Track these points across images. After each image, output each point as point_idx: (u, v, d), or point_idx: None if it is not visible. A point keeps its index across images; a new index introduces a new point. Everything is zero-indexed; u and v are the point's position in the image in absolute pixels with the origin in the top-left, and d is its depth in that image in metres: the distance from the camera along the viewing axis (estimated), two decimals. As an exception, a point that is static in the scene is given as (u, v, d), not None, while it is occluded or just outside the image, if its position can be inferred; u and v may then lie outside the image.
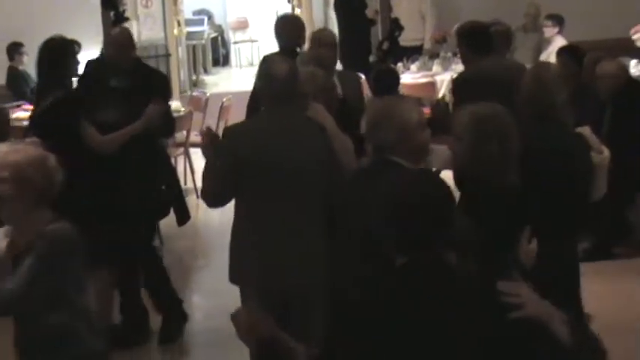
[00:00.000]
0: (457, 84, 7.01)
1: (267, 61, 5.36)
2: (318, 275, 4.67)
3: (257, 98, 5.79)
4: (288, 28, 7.66)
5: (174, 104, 11.76)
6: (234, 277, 4.97)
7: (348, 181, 4.47)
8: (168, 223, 8.68)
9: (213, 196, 4.93)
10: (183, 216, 7.50)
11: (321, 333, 3.28)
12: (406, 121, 4.17)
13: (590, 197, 4.97)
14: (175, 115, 10.57)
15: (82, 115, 6.19)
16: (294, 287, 4.77)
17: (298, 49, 7.34)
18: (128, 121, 6.33)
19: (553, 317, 2.82)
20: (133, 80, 6.54)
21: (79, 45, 6.82)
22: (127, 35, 6.97)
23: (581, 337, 2.83)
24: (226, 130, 5.31)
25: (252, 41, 19.62)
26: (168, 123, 6.93)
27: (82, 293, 3.89)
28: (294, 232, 4.77)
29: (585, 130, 5.31)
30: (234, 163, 4.75)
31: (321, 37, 6.96)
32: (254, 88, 6.02)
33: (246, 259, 4.87)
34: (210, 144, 4.85)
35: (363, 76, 11.19)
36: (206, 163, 4.89)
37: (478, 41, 6.74)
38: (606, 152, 5.38)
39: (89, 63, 7.04)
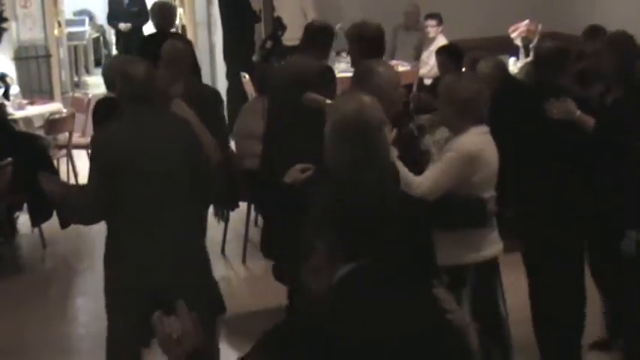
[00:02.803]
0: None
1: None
2: (193, 275, 4.78)
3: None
4: (163, 12, 9.30)
5: (56, 106, 11.60)
6: (112, 281, 4.95)
7: None
8: (51, 225, 8.58)
9: (88, 209, 4.87)
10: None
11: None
12: None
13: None
14: (57, 116, 10.46)
15: None
16: (168, 288, 4.67)
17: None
18: None
19: (469, 326, 3.00)
20: None
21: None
22: None
23: (487, 348, 2.95)
24: (95, 136, 5.32)
25: (135, 41, 19.42)
26: None
27: None
28: (168, 231, 4.80)
29: None
30: (106, 167, 4.74)
31: None
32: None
33: (119, 258, 4.87)
34: None
35: (247, 75, 11.22)
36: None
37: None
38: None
39: None
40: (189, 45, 8.06)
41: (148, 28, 13.00)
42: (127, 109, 4.92)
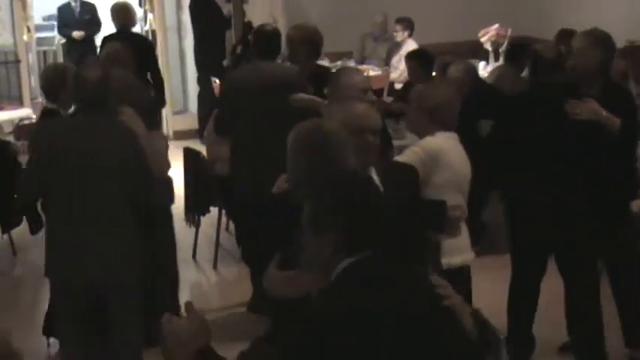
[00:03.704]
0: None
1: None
2: (124, 274, 5.04)
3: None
4: (123, 12, 10.02)
5: (25, 111, 11.53)
6: (46, 271, 5.26)
7: None
8: (21, 232, 8.54)
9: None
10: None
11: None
12: None
13: None
14: (27, 122, 10.40)
15: None
16: (100, 285, 5.05)
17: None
18: None
19: (464, 310, 3.09)
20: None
21: None
22: None
23: (482, 329, 3.03)
24: (38, 127, 5.51)
25: (105, 46, 19.30)
26: None
27: None
28: (99, 230, 5.02)
29: None
30: (41, 160, 5.05)
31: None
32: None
33: (55, 255, 5.15)
34: None
35: (217, 81, 11.22)
36: None
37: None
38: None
39: None
40: (149, 45, 8.16)
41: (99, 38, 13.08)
42: (78, 110, 5.21)
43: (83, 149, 4.98)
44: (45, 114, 6.76)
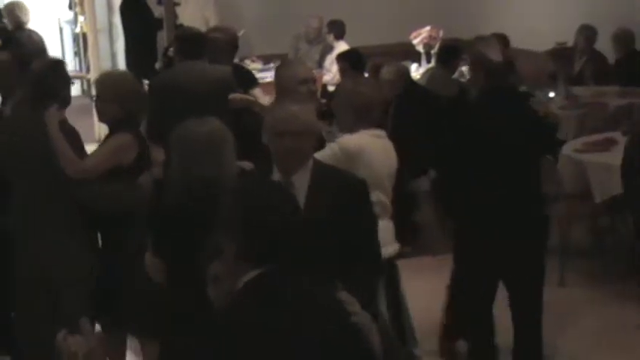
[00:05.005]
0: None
1: None
2: (61, 276, 5.11)
3: None
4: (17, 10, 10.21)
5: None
6: None
7: None
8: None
9: None
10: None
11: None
12: None
13: None
14: None
15: None
16: (41, 278, 5.15)
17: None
18: None
19: (371, 328, 3.00)
20: None
21: None
22: None
23: (389, 347, 2.97)
24: None
25: (35, 49, 19.11)
26: None
27: None
28: (36, 225, 5.16)
29: None
30: None
31: None
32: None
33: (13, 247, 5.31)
34: None
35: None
36: None
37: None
38: None
39: None
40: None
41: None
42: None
43: (16, 149, 5.16)
44: None
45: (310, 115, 4.12)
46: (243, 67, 7.83)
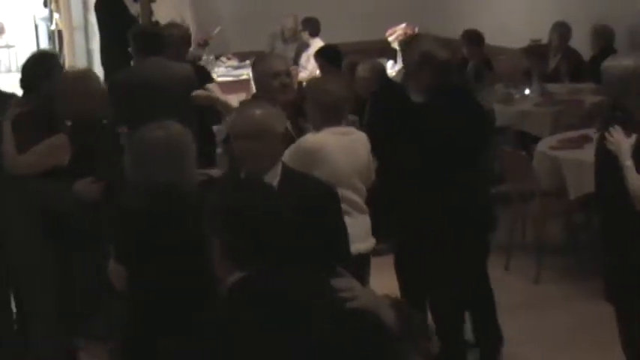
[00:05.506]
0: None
1: None
2: (31, 263, 5.34)
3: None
4: None
5: None
6: None
7: None
8: None
9: None
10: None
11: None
12: None
13: None
14: None
15: None
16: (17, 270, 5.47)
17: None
18: None
19: (379, 304, 2.93)
20: None
21: None
22: None
23: (406, 320, 2.93)
24: None
25: (9, 47, 19.06)
26: None
27: None
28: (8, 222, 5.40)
29: None
30: None
31: None
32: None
33: None
34: None
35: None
36: None
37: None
38: None
39: None
40: None
41: None
42: None
43: None
44: None
45: (269, 117, 4.04)
46: (197, 64, 7.85)
